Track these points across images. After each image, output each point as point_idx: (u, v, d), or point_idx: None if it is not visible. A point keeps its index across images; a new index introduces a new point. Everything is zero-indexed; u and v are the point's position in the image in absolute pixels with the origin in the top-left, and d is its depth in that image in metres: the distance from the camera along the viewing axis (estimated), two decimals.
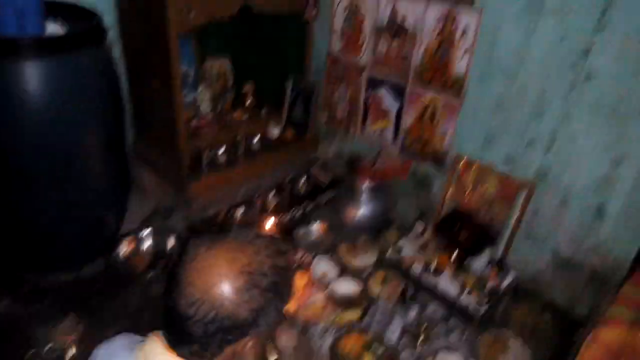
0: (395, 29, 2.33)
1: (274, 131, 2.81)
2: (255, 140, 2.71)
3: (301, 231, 2.42)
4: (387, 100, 2.49)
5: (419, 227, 2.29)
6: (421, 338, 1.83)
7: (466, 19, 2.05)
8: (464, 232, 2.12)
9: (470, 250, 2.10)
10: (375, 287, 2.07)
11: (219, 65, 2.99)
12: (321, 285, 2.07)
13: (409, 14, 2.25)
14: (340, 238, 2.37)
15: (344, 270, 2.15)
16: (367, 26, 2.45)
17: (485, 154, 2.19)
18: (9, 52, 1.71)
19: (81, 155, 1.98)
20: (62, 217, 2.03)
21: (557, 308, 2.07)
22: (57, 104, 1.81)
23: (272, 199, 2.68)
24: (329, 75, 2.75)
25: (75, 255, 2.18)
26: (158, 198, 2.61)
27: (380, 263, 2.21)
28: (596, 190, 1.89)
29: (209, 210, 2.51)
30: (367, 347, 1.79)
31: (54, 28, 1.89)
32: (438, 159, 2.36)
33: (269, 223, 2.44)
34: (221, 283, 0.76)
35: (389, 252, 2.21)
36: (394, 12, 2.31)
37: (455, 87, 2.18)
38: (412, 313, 1.97)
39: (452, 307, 1.98)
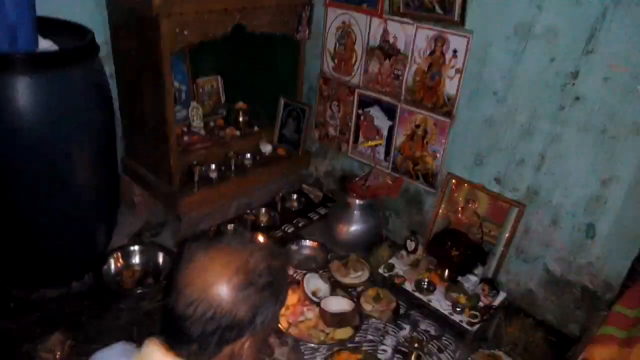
0: (387, 49, 2.37)
1: (266, 148, 2.82)
2: (247, 156, 2.71)
3: (293, 248, 2.41)
4: (379, 119, 2.52)
5: (410, 244, 2.29)
6: (413, 356, 1.81)
7: (456, 41, 2.10)
8: (455, 250, 2.12)
9: (462, 268, 2.11)
10: (367, 305, 2.06)
11: (212, 83, 3.01)
12: (312, 302, 2.05)
13: (400, 35, 2.29)
14: (332, 255, 2.37)
15: (336, 287, 2.14)
16: (359, 46, 2.49)
17: (476, 173, 2.22)
18: (1, 68, 1.71)
19: (72, 170, 1.96)
20: (51, 232, 2.00)
21: (549, 326, 2.07)
22: (49, 119, 1.81)
23: (263, 215, 2.67)
24: (321, 94, 2.78)
25: (64, 271, 2.15)
26: (148, 213, 2.59)
27: (372, 280, 2.20)
28: (586, 210, 1.92)
29: (199, 226, 2.49)
30: None
31: (46, 44, 1.89)
32: (429, 178, 2.38)
33: (260, 239, 2.42)
34: (218, 282, 0.78)
35: (381, 270, 2.21)
36: (385, 33, 2.35)
37: (446, 107, 2.21)
38: (405, 331, 1.96)
39: (445, 325, 1.98)
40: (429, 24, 2.16)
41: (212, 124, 2.83)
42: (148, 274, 2.18)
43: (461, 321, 1.94)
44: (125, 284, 2.13)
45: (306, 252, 2.44)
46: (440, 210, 2.34)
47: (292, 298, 2.04)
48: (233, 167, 2.61)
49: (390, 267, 2.21)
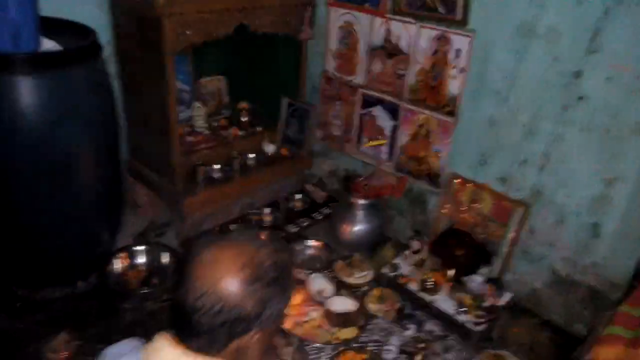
0: (390, 49, 2.37)
1: (269, 148, 2.82)
2: (251, 157, 2.71)
3: (296, 248, 2.41)
4: (382, 118, 2.52)
5: (415, 244, 2.29)
6: (419, 356, 1.81)
7: (459, 41, 2.09)
8: (460, 250, 2.12)
9: (467, 268, 2.10)
10: (372, 305, 2.06)
11: (215, 83, 3.01)
12: (317, 302, 2.05)
13: (403, 34, 2.29)
14: (336, 255, 2.36)
15: (340, 288, 2.14)
16: (362, 46, 2.49)
17: (479, 172, 2.21)
18: (4, 68, 1.71)
19: (75, 171, 1.96)
20: (55, 232, 2.00)
21: (555, 326, 2.07)
22: (51, 119, 1.81)
23: (267, 215, 2.67)
24: (324, 94, 2.78)
25: (69, 271, 2.15)
26: (153, 213, 2.59)
27: (377, 280, 2.20)
28: (591, 209, 1.91)
29: (203, 226, 2.49)
30: None
31: (49, 44, 1.89)
32: (433, 177, 2.38)
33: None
34: (226, 276, 0.80)
35: (385, 270, 2.21)
36: (388, 33, 2.35)
37: (449, 106, 2.21)
38: (409, 331, 1.95)
39: (450, 325, 1.97)
40: (432, 24, 2.16)
41: (215, 124, 2.83)
42: (153, 274, 2.18)
43: (466, 321, 1.94)
44: (130, 284, 2.13)
45: (310, 252, 2.43)
46: (444, 210, 2.34)
47: (296, 298, 2.04)
48: (236, 167, 2.61)
49: (395, 267, 2.21)
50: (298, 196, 2.83)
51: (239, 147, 2.70)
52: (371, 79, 2.51)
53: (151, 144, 2.50)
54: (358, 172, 2.70)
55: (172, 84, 2.19)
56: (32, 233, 1.97)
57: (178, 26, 2.09)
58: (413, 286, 2.11)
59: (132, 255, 2.24)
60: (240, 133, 2.78)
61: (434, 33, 2.16)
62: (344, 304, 2.03)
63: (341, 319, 1.96)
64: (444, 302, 2.03)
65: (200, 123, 2.75)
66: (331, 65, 2.68)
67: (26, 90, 1.74)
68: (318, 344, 1.85)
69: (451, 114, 2.21)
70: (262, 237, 0.91)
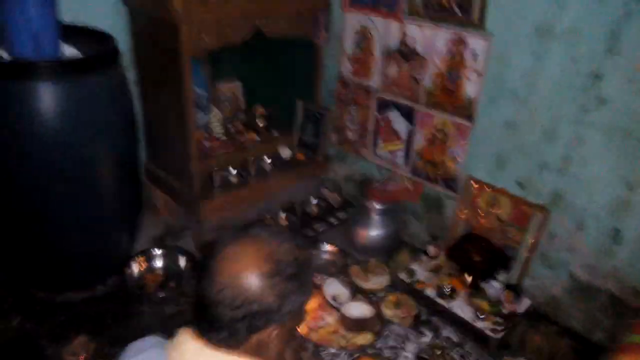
0: (406, 52, 2.35)
1: (285, 152, 2.83)
2: (267, 161, 2.72)
3: (312, 252, 2.41)
4: (398, 122, 2.50)
5: (431, 249, 2.27)
6: None
7: (476, 43, 2.07)
8: (477, 256, 2.10)
9: (485, 273, 2.07)
10: (388, 310, 2.04)
11: (231, 88, 3.04)
12: (333, 307, 2.04)
13: (419, 37, 2.27)
14: (352, 260, 2.36)
15: (356, 293, 2.13)
16: (378, 49, 2.48)
17: (498, 176, 2.18)
18: (25, 74, 1.75)
19: (94, 175, 2.00)
20: (75, 236, 2.04)
21: (575, 333, 2.02)
22: (71, 125, 1.84)
23: (283, 220, 2.68)
24: (340, 98, 2.78)
25: (88, 274, 2.18)
26: (170, 218, 2.62)
27: (393, 286, 2.18)
28: (612, 214, 1.87)
29: (214, 233, 2.50)
30: None
31: (70, 51, 1.93)
32: (450, 181, 2.35)
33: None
34: (247, 270, 0.82)
35: (402, 275, 2.19)
36: (404, 36, 2.33)
37: (466, 110, 2.19)
38: (426, 337, 1.93)
39: (467, 332, 1.95)
40: (448, 26, 2.14)
41: (231, 128, 2.85)
42: (170, 277, 2.20)
43: (484, 328, 1.91)
44: (148, 287, 2.15)
45: (326, 256, 2.43)
46: (461, 215, 2.32)
47: (312, 303, 2.04)
48: (253, 172, 2.63)
49: (411, 273, 2.19)
50: (314, 201, 2.83)
51: (255, 151, 2.72)
52: (387, 83, 2.50)
53: (168, 149, 2.53)
54: (374, 176, 2.69)
55: (189, 89, 2.21)
56: (52, 237, 2.01)
57: (195, 32, 2.11)
58: (430, 292, 2.09)
59: (149, 259, 2.26)
60: (256, 137, 2.80)
61: (450, 35, 2.15)
62: (359, 310, 2.02)
63: (357, 325, 1.95)
64: (461, 308, 2.01)
65: (217, 128, 2.78)
66: (347, 69, 2.68)
67: (46, 97, 1.78)
68: (333, 350, 1.84)
69: (468, 117, 2.19)
70: (283, 232, 0.93)
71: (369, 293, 2.14)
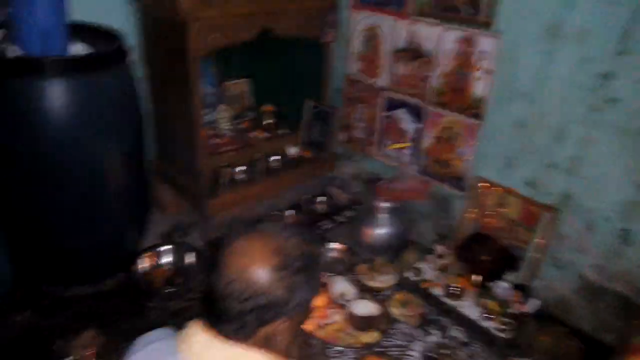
0: (413, 51, 2.35)
1: (293, 150, 2.83)
2: (274, 159, 2.72)
3: (320, 248, 2.40)
4: (406, 121, 2.50)
5: (439, 249, 2.26)
6: None
7: (485, 42, 2.06)
8: (485, 255, 2.08)
9: (492, 273, 2.06)
10: (395, 309, 2.04)
11: (239, 86, 3.04)
12: (339, 305, 2.04)
13: (427, 36, 2.26)
14: (359, 258, 2.35)
15: (363, 291, 2.12)
16: (385, 48, 2.48)
17: (506, 176, 2.17)
18: (32, 71, 1.76)
19: (102, 172, 2.01)
20: (83, 232, 2.05)
21: (584, 335, 2.00)
22: (78, 121, 1.85)
23: (289, 217, 2.68)
24: (347, 96, 2.78)
25: (96, 269, 2.20)
26: (177, 214, 2.63)
27: (400, 285, 2.18)
28: (622, 215, 1.85)
29: (223, 229, 2.51)
30: None
31: (78, 48, 1.94)
32: (458, 181, 2.34)
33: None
34: (256, 264, 0.84)
35: (409, 274, 2.18)
36: (412, 35, 2.33)
37: (475, 109, 2.18)
38: (433, 337, 1.92)
39: (474, 332, 1.94)
40: (457, 25, 2.13)
41: (239, 126, 2.86)
42: (177, 273, 2.21)
43: (492, 328, 1.90)
44: (156, 283, 2.16)
45: (333, 254, 2.42)
46: (469, 214, 2.31)
47: (318, 300, 2.03)
48: (260, 169, 2.63)
49: (418, 272, 2.19)
50: (321, 199, 2.83)
51: (262, 149, 2.72)
52: (395, 81, 2.49)
53: (176, 146, 2.54)
54: (381, 175, 2.68)
55: (197, 87, 2.22)
56: (61, 232, 2.02)
57: (203, 30, 2.12)
58: (437, 291, 2.08)
59: (157, 255, 2.27)
60: (264, 135, 2.80)
61: (458, 34, 2.14)
62: (366, 308, 2.01)
63: (363, 323, 1.94)
64: (468, 308, 2.00)
65: (224, 125, 2.78)
66: (354, 67, 2.67)
67: (54, 94, 1.79)
68: (339, 347, 1.84)
69: (477, 116, 2.18)
70: (291, 227, 0.94)
71: (376, 291, 2.13)
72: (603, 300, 1.97)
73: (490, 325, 1.91)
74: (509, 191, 2.16)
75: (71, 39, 1.91)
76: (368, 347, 1.86)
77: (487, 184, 2.22)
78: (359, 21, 2.55)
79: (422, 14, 2.24)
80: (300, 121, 2.91)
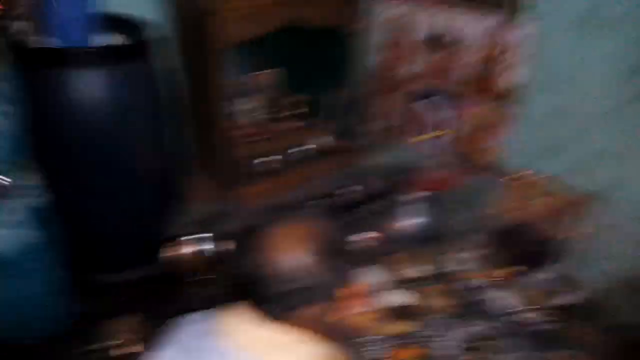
0: (443, 39, 2.29)
1: (324, 140, 2.81)
2: (306, 148, 2.72)
3: (353, 240, 2.38)
4: (437, 111, 2.45)
5: (477, 238, 2.21)
6: (479, 354, 1.74)
7: (517, 29, 2.00)
8: (524, 246, 2.03)
9: (534, 264, 2.00)
10: (430, 300, 2.00)
11: (270, 76, 3.04)
12: (372, 295, 2.01)
13: (457, 24, 2.21)
14: (392, 248, 2.31)
15: (396, 281, 2.09)
16: (414, 37, 2.42)
17: (546, 165, 2.10)
18: (57, 62, 1.79)
19: (134, 161, 2.04)
20: (116, 221, 2.10)
21: (628, 329, 1.92)
22: (103, 111, 1.89)
23: (322, 206, 2.66)
24: (378, 86, 2.74)
25: (132, 257, 2.24)
26: (212, 203, 2.65)
27: (437, 274, 2.13)
28: None
29: (255, 217, 2.51)
30: None
31: (109, 39, 1.96)
32: (493, 170, 2.28)
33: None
34: (293, 249, 0.88)
35: (445, 264, 2.14)
36: (441, 23, 2.27)
37: (508, 97, 2.11)
38: (469, 328, 1.87)
39: (515, 323, 1.88)
40: (487, 12, 2.06)
41: (270, 116, 2.85)
42: (211, 260, 2.23)
43: (533, 320, 1.84)
44: (192, 269, 2.19)
45: (366, 244, 2.39)
46: (508, 204, 2.24)
47: (352, 290, 2.01)
48: (292, 159, 2.63)
49: (456, 261, 2.14)
50: (353, 188, 2.79)
51: (294, 139, 2.72)
52: (426, 71, 2.44)
53: (208, 136, 2.56)
54: (414, 164, 2.64)
55: (225, 77, 2.24)
56: (96, 222, 2.06)
57: (230, 21, 2.12)
58: (476, 281, 2.03)
59: (193, 242, 2.28)
60: (295, 125, 2.79)
61: (489, 22, 2.07)
62: (400, 298, 1.98)
63: (398, 313, 1.92)
64: (508, 298, 1.94)
65: (256, 115, 2.79)
66: (383, 57, 2.63)
67: (79, 84, 1.82)
68: (374, 337, 1.82)
69: (511, 105, 2.11)
70: (327, 215, 1.01)
71: (411, 281, 2.10)
72: None
73: (531, 316, 1.86)
74: (550, 180, 2.09)
75: (102, 30, 1.93)
76: (403, 337, 1.83)
77: (527, 173, 2.15)
78: (386, 10, 2.50)
79: (452, 1, 2.18)
80: (331, 111, 2.88)
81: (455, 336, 1.83)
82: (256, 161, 2.51)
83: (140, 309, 1.92)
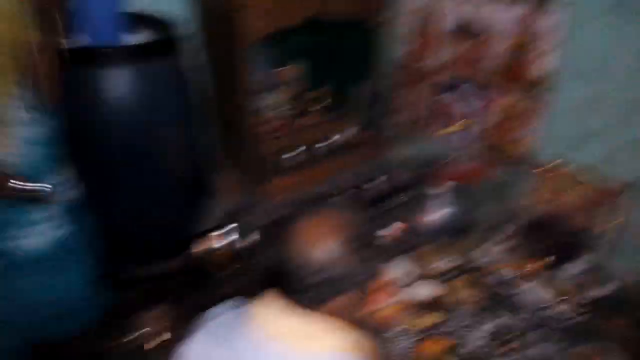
0: (471, 28, 2.25)
1: (348, 133, 2.81)
2: (330, 142, 2.72)
3: (378, 233, 2.38)
4: (464, 102, 2.41)
5: (504, 231, 2.18)
6: (508, 346, 1.72)
7: (548, 17, 1.95)
8: (555, 238, 1.99)
9: (563, 256, 1.96)
10: (457, 292, 1.98)
11: (294, 70, 3.04)
12: (399, 287, 2.01)
13: (485, 13, 2.17)
14: (418, 240, 2.30)
15: (423, 273, 2.08)
16: (441, 28, 2.39)
17: (576, 156, 2.06)
18: (88, 61, 1.83)
19: (162, 157, 2.07)
20: (148, 214, 2.14)
21: None
22: (133, 109, 1.92)
23: (349, 198, 2.66)
24: (403, 78, 2.71)
25: (161, 250, 2.28)
26: (237, 197, 2.69)
27: (462, 267, 2.12)
28: None
29: (284, 210, 2.53)
30: (449, 352, 1.71)
31: (133, 38, 1.99)
32: (522, 161, 2.25)
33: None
34: (323, 239, 0.88)
35: (472, 257, 2.12)
36: (468, 13, 2.23)
37: (538, 87, 2.07)
38: (499, 320, 1.86)
39: (544, 316, 1.85)
40: (519, 1, 2.02)
41: (296, 110, 2.86)
42: (240, 252, 2.27)
43: (563, 312, 1.82)
44: (220, 261, 2.23)
45: (393, 236, 2.39)
46: (538, 195, 2.20)
47: (378, 283, 2.02)
48: (316, 153, 2.63)
49: (482, 255, 2.12)
50: (379, 180, 2.79)
51: (317, 133, 2.73)
52: (452, 62, 2.41)
53: (234, 131, 2.59)
54: (441, 156, 2.61)
55: (250, 73, 2.25)
56: (126, 215, 2.11)
57: (255, 16, 2.14)
58: (502, 274, 2.01)
59: (221, 235, 2.33)
60: (318, 119, 2.79)
61: (519, 10, 2.03)
62: (426, 290, 1.97)
63: (426, 305, 1.91)
64: (537, 291, 1.91)
65: (279, 110, 2.80)
66: (407, 49, 2.60)
67: (110, 83, 1.86)
68: (400, 329, 1.82)
69: (541, 94, 2.07)
70: (355, 207, 1.01)
71: (438, 273, 2.09)
72: None
73: (561, 308, 1.83)
74: (580, 171, 2.04)
75: (131, 28, 1.97)
76: (431, 329, 1.82)
77: (556, 164, 2.11)
78: (412, 1, 2.47)
79: None
80: (356, 104, 2.87)
81: (483, 329, 1.82)
82: (283, 156, 2.53)
83: (171, 300, 1.96)
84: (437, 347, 1.73)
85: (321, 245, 0.87)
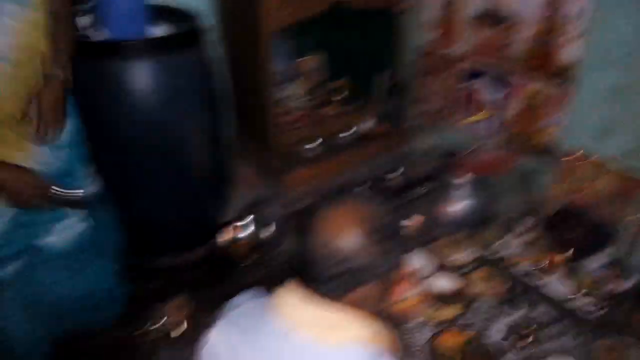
0: (495, 15, 2.22)
1: (368, 124, 2.80)
2: (349, 133, 2.71)
3: (401, 224, 2.38)
4: (487, 91, 2.38)
5: (526, 222, 2.16)
6: (529, 339, 1.72)
7: (574, 3, 1.90)
8: (577, 230, 1.97)
9: (585, 249, 1.94)
10: (477, 285, 1.98)
11: (314, 61, 3.04)
12: (418, 279, 2.02)
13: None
14: (438, 232, 2.30)
15: (442, 266, 2.08)
16: (464, 14, 2.35)
17: (601, 146, 2.01)
18: (113, 53, 1.85)
19: (185, 149, 2.10)
20: (168, 206, 2.17)
21: None
22: (157, 101, 1.93)
23: (367, 190, 2.66)
24: (424, 67, 2.69)
25: (181, 242, 2.33)
26: (257, 188, 2.71)
27: (482, 259, 2.11)
28: None
29: (303, 201, 2.55)
30: (469, 344, 1.72)
31: (157, 31, 2.01)
32: (545, 152, 2.21)
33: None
34: (345, 230, 0.88)
35: (492, 249, 2.11)
36: None
37: (564, 75, 2.02)
38: (519, 313, 1.85)
39: (563, 310, 1.84)
40: None
41: (315, 101, 2.87)
42: (259, 243, 2.30)
43: (583, 306, 1.80)
44: (240, 252, 2.26)
45: (411, 229, 2.39)
46: (559, 187, 2.17)
47: (396, 275, 2.02)
48: (335, 144, 2.64)
49: (503, 247, 2.10)
50: (398, 172, 2.78)
51: (337, 123, 2.73)
52: (474, 50, 2.37)
53: (254, 122, 2.60)
54: (462, 147, 2.59)
55: (270, 63, 2.24)
56: (148, 207, 2.14)
57: (275, 6, 2.13)
58: (523, 266, 1.99)
59: (238, 228, 2.36)
60: (339, 109, 2.79)
61: None
62: (446, 283, 1.97)
63: (442, 298, 1.91)
64: (558, 284, 1.90)
65: (299, 101, 2.81)
66: (430, 37, 2.57)
67: (134, 75, 1.87)
68: (418, 322, 1.83)
69: (566, 83, 2.03)
70: (376, 198, 0.99)
71: (456, 266, 2.09)
72: None
73: (581, 302, 1.81)
74: (604, 162, 2.00)
75: (153, 21, 1.99)
76: (447, 322, 1.83)
77: (579, 155, 2.08)
78: None
79: None
80: (375, 94, 2.86)
81: (502, 322, 1.81)
82: (303, 146, 2.53)
83: (194, 290, 2.00)
84: (455, 340, 1.73)
85: (344, 235, 0.87)
